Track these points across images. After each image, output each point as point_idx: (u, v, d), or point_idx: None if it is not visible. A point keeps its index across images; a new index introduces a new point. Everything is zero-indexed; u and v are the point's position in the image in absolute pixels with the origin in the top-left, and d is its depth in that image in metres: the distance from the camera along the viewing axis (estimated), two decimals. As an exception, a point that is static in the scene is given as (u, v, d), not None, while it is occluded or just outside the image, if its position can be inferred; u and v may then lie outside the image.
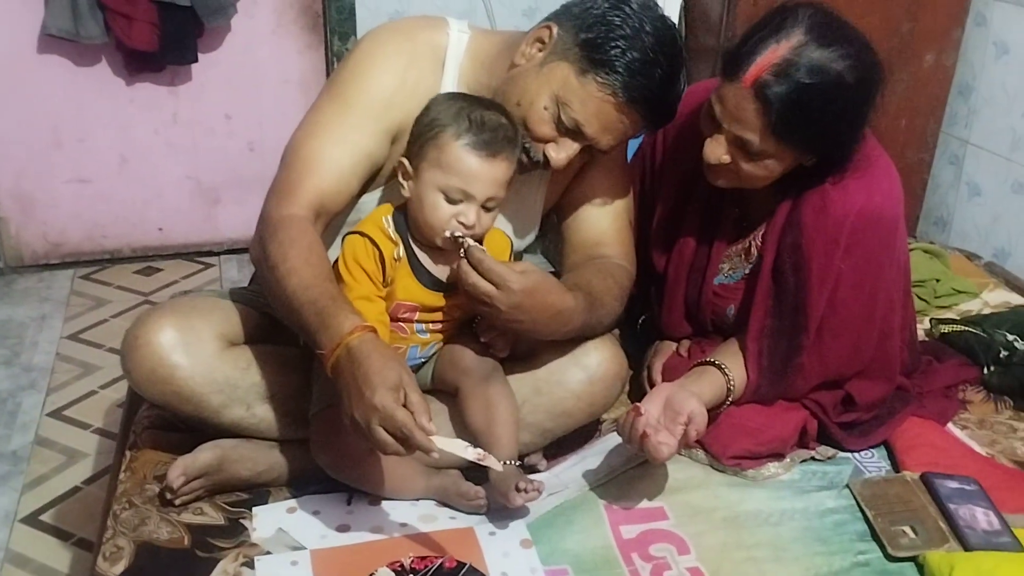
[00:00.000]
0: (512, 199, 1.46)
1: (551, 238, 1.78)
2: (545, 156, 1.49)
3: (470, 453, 1.33)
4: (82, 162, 3.19)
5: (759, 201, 1.64)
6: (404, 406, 1.25)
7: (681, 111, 1.53)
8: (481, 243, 1.46)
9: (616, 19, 1.42)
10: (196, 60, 3.09)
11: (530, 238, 1.72)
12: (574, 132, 1.46)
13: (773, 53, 1.42)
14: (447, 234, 1.41)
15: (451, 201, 1.41)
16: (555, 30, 1.47)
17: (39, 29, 2.94)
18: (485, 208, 1.43)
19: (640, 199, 1.82)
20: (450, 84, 1.55)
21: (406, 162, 1.45)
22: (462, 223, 1.41)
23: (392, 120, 1.51)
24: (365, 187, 1.56)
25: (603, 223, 1.66)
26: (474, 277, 1.39)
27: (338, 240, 1.55)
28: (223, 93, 3.22)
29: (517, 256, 1.70)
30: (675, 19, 2.78)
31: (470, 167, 1.39)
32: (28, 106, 3.06)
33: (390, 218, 1.48)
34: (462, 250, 1.40)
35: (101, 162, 3.21)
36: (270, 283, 1.41)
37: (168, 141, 3.26)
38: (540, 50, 1.48)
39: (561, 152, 1.48)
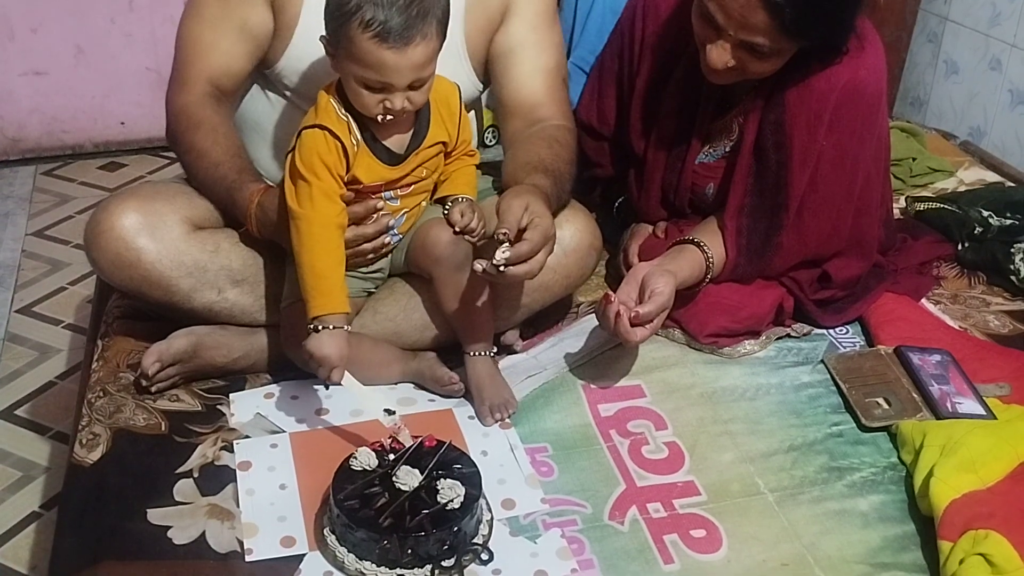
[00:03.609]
0: None
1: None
2: None
3: (386, 420, 1.32)
4: (37, 53, 3.08)
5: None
6: None
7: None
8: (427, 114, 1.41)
9: None
10: (150, -58, 2.96)
11: (467, 87, 1.61)
12: None
13: None
14: (478, 270, 1.33)
15: (373, 90, 1.33)
16: None
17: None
18: (412, 88, 1.34)
19: (618, 78, 1.78)
20: None
21: (325, 42, 1.36)
22: (389, 109, 1.34)
23: None
24: (271, 52, 1.53)
25: (535, 83, 1.62)
26: (528, 265, 1.33)
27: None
28: (181, -22, 3.10)
29: (468, 107, 1.63)
30: None
31: (382, 60, 1.28)
32: (-25, -5, 2.94)
33: (338, 103, 1.39)
34: (500, 268, 1.32)
35: (57, 53, 3.10)
36: (186, 168, 1.53)
37: (125, 31, 3.14)
38: None
39: None
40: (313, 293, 1.33)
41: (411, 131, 1.43)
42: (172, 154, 3.20)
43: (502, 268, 1.31)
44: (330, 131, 1.35)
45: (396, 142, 1.42)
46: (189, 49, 1.54)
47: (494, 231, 1.33)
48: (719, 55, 1.47)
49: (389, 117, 1.35)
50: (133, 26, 3.14)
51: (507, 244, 1.31)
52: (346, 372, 1.35)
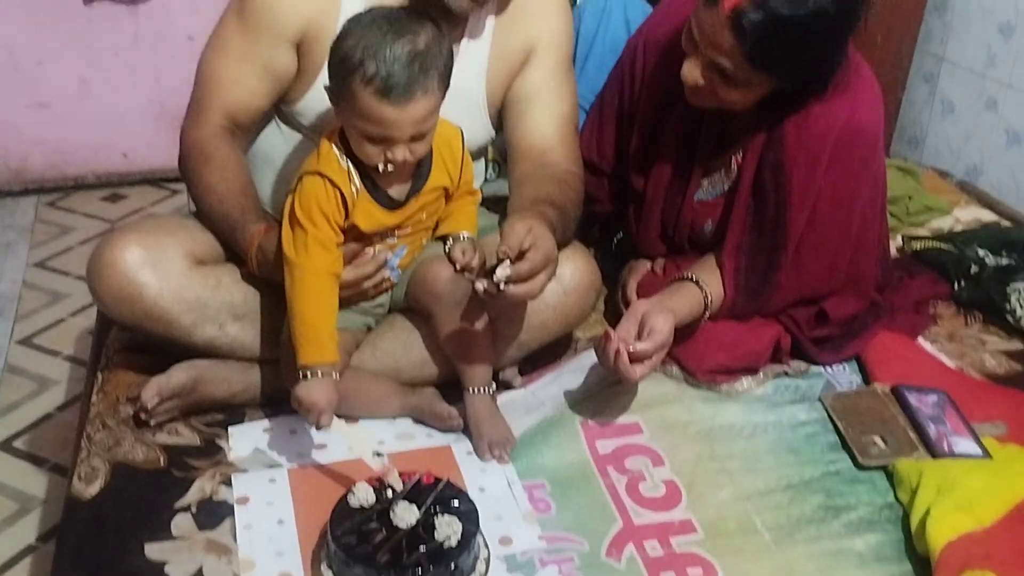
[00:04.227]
0: (452, 97, 1.41)
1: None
2: None
3: (375, 462, 1.32)
4: (41, 86, 3.10)
5: (740, 117, 1.62)
6: None
7: (662, 24, 1.50)
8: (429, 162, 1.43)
9: None
10: (156, -22, 2.99)
11: (481, 134, 1.67)
12: None
13: None
14: (480, 289, 1.34)
15: (375, 141, 1.34)
16: None
17: (-7, -52, 2.84)
18: (414, 139, 1.35)
19: (619, 115, 1.80)
20: None
21: (329, 93, 1.37)
22: (391, 160, 1.35)
23: (290, 28, 1.50)
24: (292, 91, 1.55)
25: (548, 129, 1.64)
26: (528, 285, 1.34)
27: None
28: (185, 13, 3.12)
29: (476, 154, 1.67)
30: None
31: (384, 114, 1.29)
32: (-18, 28, 2.97)
33: (340, 150, 1.40)
34: (500, 287, 1.32)
35: (60, 86, 3.12)
36: (194, 201, 1.54)
37: (129, 64, 3.17)
38: None
39: None
40: (303, 341, 1.35)
41: (412, 178, 1.44)
42: (174, 185, 3.27)
43: (502, 287, 1.32)
44: (330, 180, 1.36)
45: (396, 189, 1.44)
46: (210, 82, 1.56)
47: (496, 251, 1.34)
48: (690, 70, 1.50)
49: (391, 167, 1.36)
50: (137, 59, 3.17)
51: (508, 262, 1.32)
52: (335, 417, 1.36)
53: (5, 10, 2.95)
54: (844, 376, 1.69)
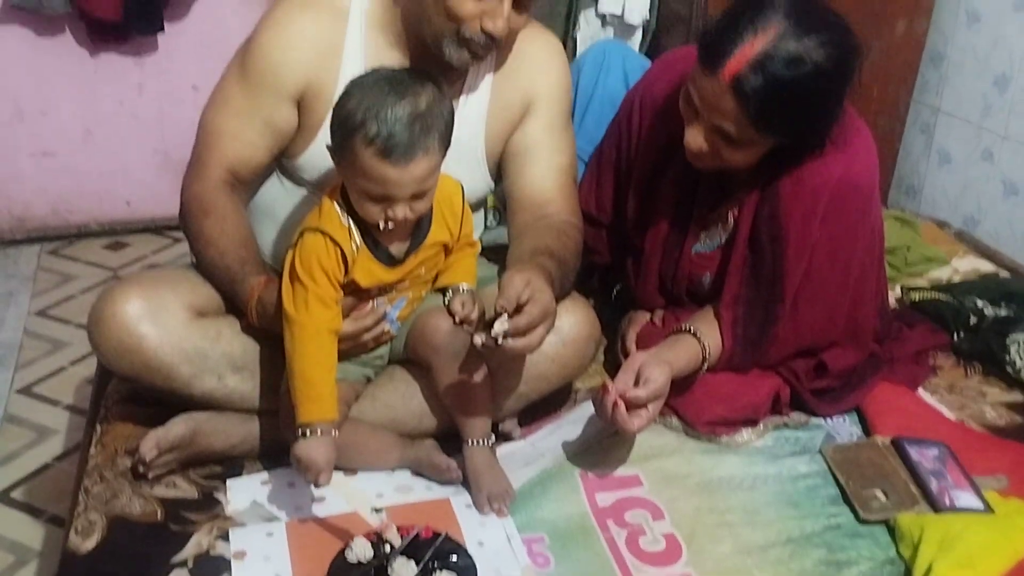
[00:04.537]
0: (451, 150, 1.42)
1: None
2: (487, 34, 1.45)
3: (373, 518, 1.33)
4: (46, 135, 3.14)
5: (737, 172, 1.64)
6: None
7: (658, 80, 1.52)
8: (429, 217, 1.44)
9: None
10: (162, 30, 3.04)
11: (480, 186, 1.68)
12: None
13: (751, 47, 1.39)
14: (478, 343, 1.34)
15: (376, 200, 1.35)
16: None
17: (0, 1, 2.88)
18: (415, 198, 1.36)
19: (617, 168, 1.81)
20: (356, 32, 1.54)
21: (331, 152, 1.39)
22: (391, 218, 1.36)
23: (291, 85, 1.53)
24: (294, 146, 1.58)
25: (547, 182, 1.66)
26: (526, 339, 1.35)
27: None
28: (190, 63, 3.16)
29: (476, 205, 1.68)
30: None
31: (385, 174, 1.31)
32: (-12, 78, 3.00)
33: (341, 208, 1.41)
34: (498, 341, 1.33)
35: (65, 135, 3.16)
36: (194, 254, 1.55)
37: (134, 113, 3.21)
38: None
39: (497, 19, 1.44)
40: (302, 399, 1.35)
41: (411, 235, 1.45)
42: (176, 234, 3.29)
43: (500, 341, 1.32)
44: (331, 237, 1.37)
45: (396, 246, 1.45)
46: (211, 137, 1.58)
47: (495, 304, 1.35)
48: (694, 137, 1.51)
49: (391, 225, 1.37)
50: (141, 108, 3.20)
51: (505, 316, 1.32)
52: (333, 474, 1.35)
53: (11, 60, 2.99)
54: (844, 428, 1.69)
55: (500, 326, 1.31)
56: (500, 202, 1.80)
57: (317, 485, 1.35)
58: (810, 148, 1.54)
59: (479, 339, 1.34)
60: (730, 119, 1.45)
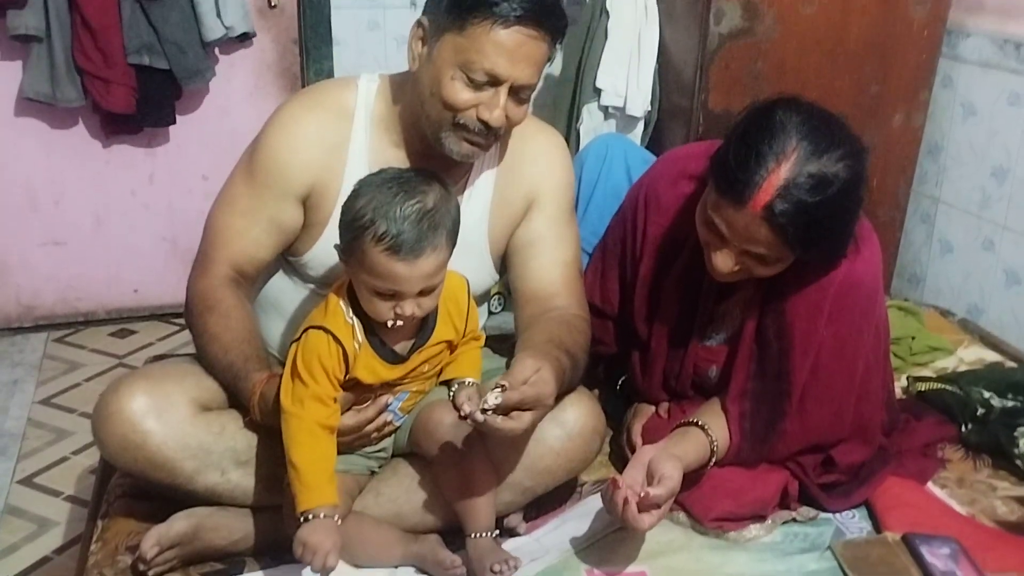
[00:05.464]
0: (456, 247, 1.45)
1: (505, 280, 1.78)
2: (483, 122, 1.48)
3: None
4: (57, 225, 3.18)
5: None
6: None
7: (662, 177, 1.54)
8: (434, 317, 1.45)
9: None
10: (174, 122, 3.10)
11: (485, 279, 1.70)
12: (491, 82, 1.46)
13: (775, 176, 1.42)
14: (465, 412, 1.34)
15: (384, 297, 1.38)
16: (425, 19, 1.51)
17: (16, 93, 2.95)
18: (423, 294, 1.38)
19: (621, 261, 1.83)
20: (361, 132, 1.58)
21: (339, 251, 1.41)
22: (400, 315, 1.37)
23: (297, 184, 1.56)
24: (300, 244, 1.60)
25: (553, 275, 1.67)
26: (512, 422, 1.35)
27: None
28: (200, 154, 3.23)
29: (481, 298, 1.69)
30: (649, 81, 2.83)
31: (394, 271, 1.33)
32: (2, 169, 3.06)
33: (347, 305, 1.43)
34: (485, 411, 1.33)
35: (76, 224, 3.20)
36: (198, 349, 1.55)
37: (144, 202, 3.25)
38: (423, 43, 1.51)
39: (494, 109, 1.47)
40: (300, 488, 1.35)
41: (416, 334, 1.46)
42: (182, 320, 3.29)
43: (479, 416, 1.31)
44: (333, 335, 1.38)
45: (401, 344, 1.46)
46: (217, 234, 1.60)
47: (497, 380, 1.35)
48: (724, 262, 1.52)
49: (400, 323, 1.38)
50: (152, 197, 3.25)
51: (499, 391, 1.32)
52: (339, 560, 1.34)
53: (26, 150, 3.05)
54: (854, 523, 1.67)
55: (492, 399, 1.32)
56: (505, 288, 1.81)
57: (324, 571, 1.32)
58: (838, 255, 1.55)
59: (467, 409, 1.33)
60: (765, 245, 1.47)
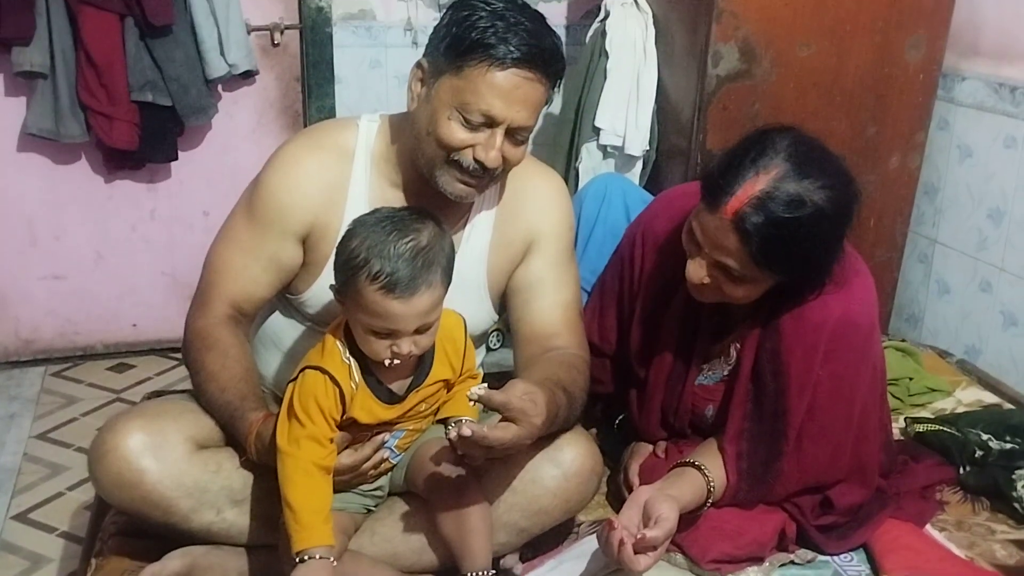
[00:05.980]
0: (454, 284, 1.44)
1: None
2: (478, 163, 1.49)
3: None
4: (57, 259, 3.19)
5: (739, 308, 1.66)
6: None
7: (659, 216, 1.55)
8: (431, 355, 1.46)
9: (462, 14, 1.46)
10: (176, 158, 3.12)
11: (484, 319, 1.71)
12: (487, 124, 1.47)
13: (752, 185, 1.44)
14: (451, 438, 1.35)
15: (380, 336, 1.38)
16: (425, 61, 1.52)
17: (20, 128, 2.97)
18: (419, 332, 1.39)
19: (619, 300, 1.83)
20: (361, 172, 1.59)
21: (335, 291, 1.42)
22: (396, 353, 1.38)
23: (297, 224, 1.57)
24: (298, 283, 1.61)
25: (554, 316, 1.67)
26: (494, 433, 1.35)
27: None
28: (202, 190, 3.24)
29: (480, 338, 1.69)
30: (647, 121, 2.86)
31: (389, 309, 1.34)
32: (4, 204, 3.07)
33: (344, 345, 1.43)
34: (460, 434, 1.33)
35: (76, 259, 3.21)
36: (195, 387, 1.55)
37: (145, 237, 3.26)
38: (422, 84, 1.52)
39: (489, 150, 1.48)
40: (296, 528, 1.35)
41: (413, 373, 1.46)
42: (180, 355, 3.29)
43: (462, 433, 1.31)
44: (330, 376, 1.39)
45: (398, 384, 1.46)
46: (216, 273, 1.61)
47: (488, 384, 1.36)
48: (695, 270, 1.54)
49: (396, 361, 1.38)
50: (152, 232, 3.26)
51: (485, 385, 1.33)
52: None
53: (28, 185, 3.07)
54: (852, 566, 1.66)
55: (476, 389, 1.33)
56: (504, 324, 1.82)
57: None
58: (810, 287, 1.56)
59: (453, 433, 1.33)
60: (732, 255, 1.48)
